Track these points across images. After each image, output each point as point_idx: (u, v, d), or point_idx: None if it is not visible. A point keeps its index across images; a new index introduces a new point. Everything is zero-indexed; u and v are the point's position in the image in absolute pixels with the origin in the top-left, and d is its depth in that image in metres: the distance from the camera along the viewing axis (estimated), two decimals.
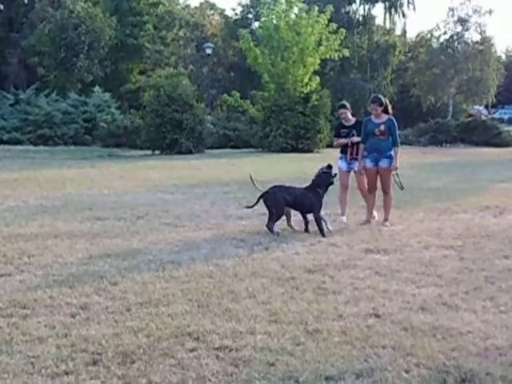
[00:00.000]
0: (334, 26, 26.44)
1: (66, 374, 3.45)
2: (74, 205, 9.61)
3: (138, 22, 39.28)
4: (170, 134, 23.07)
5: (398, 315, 4.45)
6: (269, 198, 7.53)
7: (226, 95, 29.50)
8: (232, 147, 27.08)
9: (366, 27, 42.72)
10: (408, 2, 43.10)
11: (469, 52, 41.71)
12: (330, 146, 21.12)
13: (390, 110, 8.34)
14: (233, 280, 5.33)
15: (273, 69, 26.17)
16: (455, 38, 42.30)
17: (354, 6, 43.15)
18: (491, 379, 3.44)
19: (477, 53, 41.64)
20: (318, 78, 26.75)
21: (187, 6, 54.17)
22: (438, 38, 43.54)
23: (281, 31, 25.73)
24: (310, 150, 24.63)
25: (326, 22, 26.27)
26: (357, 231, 7.74)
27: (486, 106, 50.92)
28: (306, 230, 7.60)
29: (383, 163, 8.16)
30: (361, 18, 43.17)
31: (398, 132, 8.31)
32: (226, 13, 53.45)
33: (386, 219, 8.24)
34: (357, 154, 8.54)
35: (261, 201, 7.64)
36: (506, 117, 52.43)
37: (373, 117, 8.30)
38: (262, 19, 27.76)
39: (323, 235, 7.30)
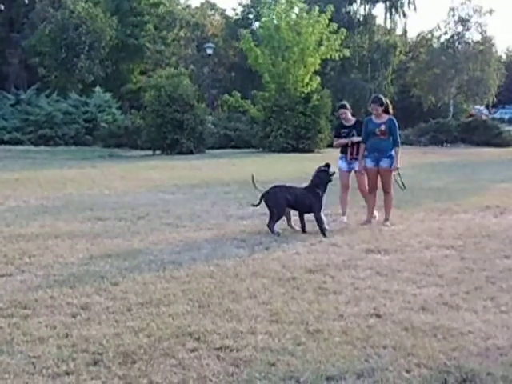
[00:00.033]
0: (334, 25, 26.44)
1: (67, 374, 3.46)
2: (74, 205, 9.62)
3: (138, 22, 39.31)
4: (170, 134, 23.06)
5: (398, 315, 4.45)
6: (270, 198, 7.52)
7: (226, 95, 29.54)
8: (233, 147, 27.09)
9: (366, 27, 42.78)
10: (409, 2, 43.25)
11: (469, 52, 41.72)
12: (330, 146, 21.08)
13: (391, 110, 8.35)
14: (234, 280, 5.33)
15: (273, 69, 26.16)
16: (456, 37, 42.29)
17: (354, 6, 43.30)
18: (492, 379, 3.43)
19: (477, 53, 41.64)
20: (318, 78, 26.77)
21: (188, 6, 54.30)
22: (438, 37, 43.58)
23: (281, 31, 25.73)
24: (310, 150, 24.62)
25: (327, 21, 26.27)
26: (357, 231, 7.74)
27: (487, 106, 50.89)
28: (303, 230, 7.60)
29: (384, 163, 8.17)
30: (361, 18, 43.24)
31: (398, 132, 8.32)
32: (227, 13, 53.71)
33: (386, 219, 8.24)
34: (357, 154, 8.54)
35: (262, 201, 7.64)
36: (506, 117, 52.39)
37: (373, 117, 8.31)
38: (263, 19, 27.73)
39: (324, 235, 7.30)
